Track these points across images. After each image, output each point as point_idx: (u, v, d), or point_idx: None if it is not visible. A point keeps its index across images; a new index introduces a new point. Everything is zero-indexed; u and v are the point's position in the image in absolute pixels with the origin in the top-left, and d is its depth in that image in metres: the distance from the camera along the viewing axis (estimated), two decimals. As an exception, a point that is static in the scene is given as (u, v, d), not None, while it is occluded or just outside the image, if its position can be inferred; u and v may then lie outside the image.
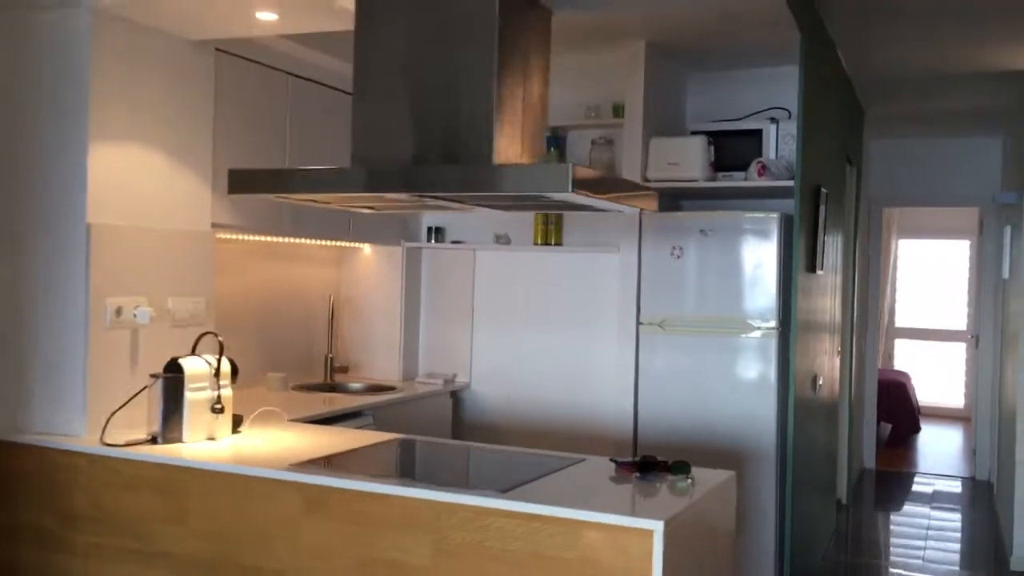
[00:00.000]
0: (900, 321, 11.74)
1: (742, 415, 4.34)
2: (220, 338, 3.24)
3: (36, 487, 3.14)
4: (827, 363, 5.32)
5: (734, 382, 4.37)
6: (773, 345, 4.31)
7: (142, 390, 3.18)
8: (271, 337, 4.62)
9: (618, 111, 4.71)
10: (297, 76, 4.21)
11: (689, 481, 2.77)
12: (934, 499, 7.35)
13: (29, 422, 3.23)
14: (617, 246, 4.64)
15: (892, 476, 8.16)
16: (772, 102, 4.74)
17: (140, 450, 3.01)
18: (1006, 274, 6.70)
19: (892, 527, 6.61)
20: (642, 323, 4.53)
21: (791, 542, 4.28)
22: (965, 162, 7.97)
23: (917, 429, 9.82)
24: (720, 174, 4.59)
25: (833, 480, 6.21)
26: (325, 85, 4.37)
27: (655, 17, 4.16)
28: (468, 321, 5.11)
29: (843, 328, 6.18)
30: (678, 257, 4.47)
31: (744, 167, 4.51)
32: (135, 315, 3.29)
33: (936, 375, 11.46)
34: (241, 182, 2.89)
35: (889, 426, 9.57)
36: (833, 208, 5.17)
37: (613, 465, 2.93)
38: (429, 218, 5.15)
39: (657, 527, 2.33)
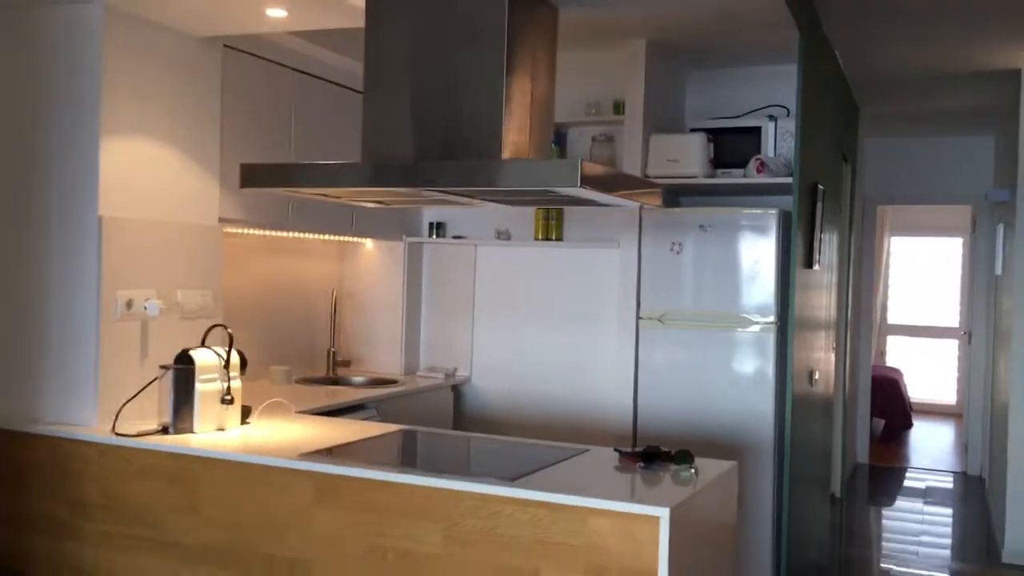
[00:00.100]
0: (892, 318, 11.83)
1: (740, 409, 4.40)
2: (229, 330, 3.29)
3: (48, 476, 3.18)
4: (823, 359, 5.38)
5: (733, 376, 4.43)
6: (771, 340, 4.37)
7: (153, 381, 3.22)
8: (274, 331, 4.67)
9: (619, 108, 4.76)
10: (302, 72, 4.25)
11: (693, 470, 2.83)
12: (927, 493, 7.43)
13: (42, 412, 3.28)
14: (617, 241, 4.69)
15: (885, 471, 8.24)
16: (771, 100, 4.80)
17: (152, 440, 3.05)
18: (999, 271, 6.76)
19: (885, 521, 6.68)
20: (642, 318, 4.58)
21: (788, 534, 4.34)
22: (958, 160, 8.05)
23: (909, 425, 9.91)
24: (719, 171, 4.64)
25: (828, 474, 6.28)
26: (329, 81, 4.41)
27: (656, 16, 4.21)
28: (469, 316, 5.16)
29: (838, 324, 6.24)
30: (678, 253, 4.52)
31: (743, 164, 4.57)
32: (145, 307, 3.34)
33: (928, 371, 11.56)
34: (254, 176, 2.93)
35: (882, 422, 9.66)
36: (830, 205, 5.23)
37: (617, 455, 2.98)
38: (430, 213, 5.19)
39: (663, 514, 2.39)
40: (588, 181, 2.54)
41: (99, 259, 3.19)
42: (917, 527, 6.36)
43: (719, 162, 4.65)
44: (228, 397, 3.21)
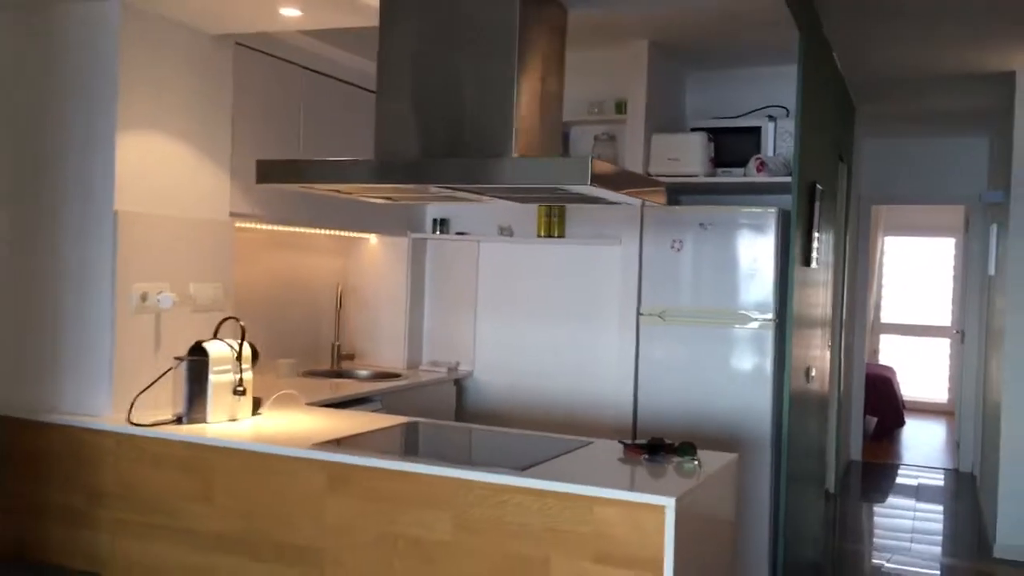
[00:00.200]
0: (886, 317, 11.93)
1: (739, 405, 4.47)
2: (242, 323, 3.35)
3: (64, 466, 3.25)
4: (819, 356, 5.46)
5: (731, 372, 4.50)
6: (769, 337, 4.44)
7: (167, 372, 3.29)
8: (280, 324, 4.73)
9: (620, 107, 4.83)
10: (312, 70, 4.31)
11: (696, 462, 2.90)
12: (919, 490, 7.52)
13: (58, 402, 3.34)
14: (619, 238, 4.76)
15: (878, 468, 8.33)
16: (770, 100, 4.88)
17: (166, 430, 3.12)
18: (992, 271, 6.85)
19: (878, 517, 6.77)
20: (642, 314, 4.65)
21: (785, 529, 4.41)
22: (953, 161, 8.13)
23: (902, 423, 10.01)
24: (719, 170, 4.72)
25: (823, 471, 6.36)
26: (338, 79, 4.47)
27: (657, 17, 4.27)
28: (471, 311, 5.22)
29: (833, 322, 6.32)
30: (678, 250, 4.59)
31: (743, 163, 4.64)
32: (158, 300, 3.40)
33: (920, 370, 11.66)
34: (269, 172, 3.00)
35: (875, 419, 9.76)
36: (827, 204, 5.30)
37: (621, 447, 3.05)
38: (434, 209, 5.26)
39: (669, 503, 2.46)
40: (598, 179, 2.62)
41: (114, 253, 3.26)
42: (910, 523, 6.45)
43: (719, 161, 4.72)
44: (240, 388, 3.27)
